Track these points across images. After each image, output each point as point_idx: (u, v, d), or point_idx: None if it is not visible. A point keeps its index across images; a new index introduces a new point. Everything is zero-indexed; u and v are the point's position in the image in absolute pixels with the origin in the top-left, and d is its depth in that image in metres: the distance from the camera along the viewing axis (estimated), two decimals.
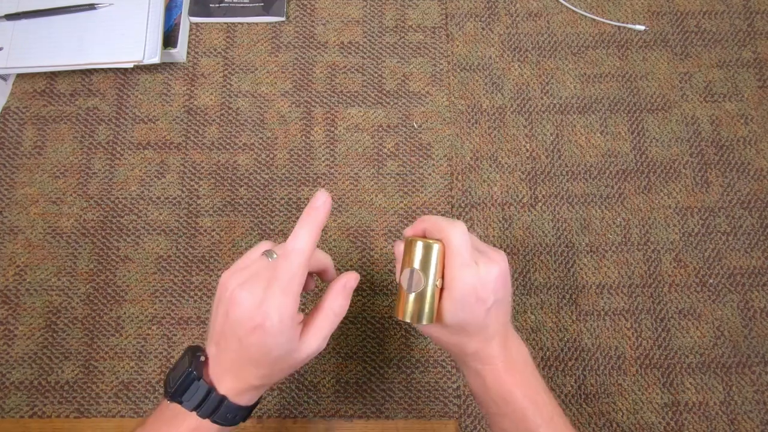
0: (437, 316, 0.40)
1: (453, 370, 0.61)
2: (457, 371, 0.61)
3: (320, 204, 0.38)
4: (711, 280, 0.63)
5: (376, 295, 0.63)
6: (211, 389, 0.38)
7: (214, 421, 0.39)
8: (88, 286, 0.63)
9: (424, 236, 0.42)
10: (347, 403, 0.60)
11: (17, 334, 0.62)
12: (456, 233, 0.39)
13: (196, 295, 0.63)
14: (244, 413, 0.40)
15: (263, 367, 0.38)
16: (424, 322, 0.39)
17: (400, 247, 0.43)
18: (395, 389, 0.60)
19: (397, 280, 0.42)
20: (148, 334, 0.62)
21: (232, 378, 0.39)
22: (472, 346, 0.41)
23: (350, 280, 0.40)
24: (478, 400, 0.45)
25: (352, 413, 0.60)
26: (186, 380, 0.38)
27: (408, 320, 0.39)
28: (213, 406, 0.38)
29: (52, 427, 0.59)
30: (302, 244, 0.37)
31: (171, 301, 0.63)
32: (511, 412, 0.41)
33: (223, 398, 0.39)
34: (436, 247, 0.39)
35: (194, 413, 0.38)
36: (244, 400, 0.40)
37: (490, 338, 0.41)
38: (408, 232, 0.45)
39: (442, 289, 0.40)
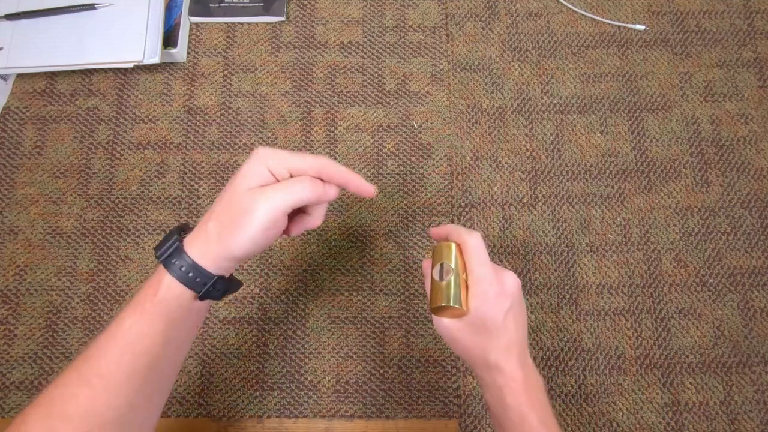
0: (464, 306, 0.43)
1: (453, 369, 0.61)
2: (457, 371, 0.61)
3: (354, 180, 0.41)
4: (711, 280, 0.63)
5: (376, 295, 0.63)
6: (177, 237, 0.39)
7: (173, 272, 0.38)
8: (88, 286, 0.63)
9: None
10: (347, 403, 0.60)
11: (17, 334, 0.62)
12: (472, 237, 0.44)
13: None
14: (197, 273, 0.38)
15: (221, 201, 0.38)
16: (456, 304, 0.42)
17: (426, 264, 0.47)
18: (395, 389, 0.60)
19: (427, 289, 0.46)
20: None
21: (197, 229, 0.39)
22: (494, 354, 0.42)
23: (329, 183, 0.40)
24: (494, 418, 0.45)
25: (352, 413, 0.60)
26: (167, 235, 0.40)
27: (443, 304, 0.43)
28: (171, 251, 0.38)
29: None
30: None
31: None
32: None
33: (180, 244, 0.38)
34: (453, 245, 0.45)
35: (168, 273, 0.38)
36: (194, 252, 0.38)
37: (509, 348, 0.43)
38: (432, 231, 0.49)
39: (467, 284, 0.44)
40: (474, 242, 0.44)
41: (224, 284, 0.40)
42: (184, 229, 0.41)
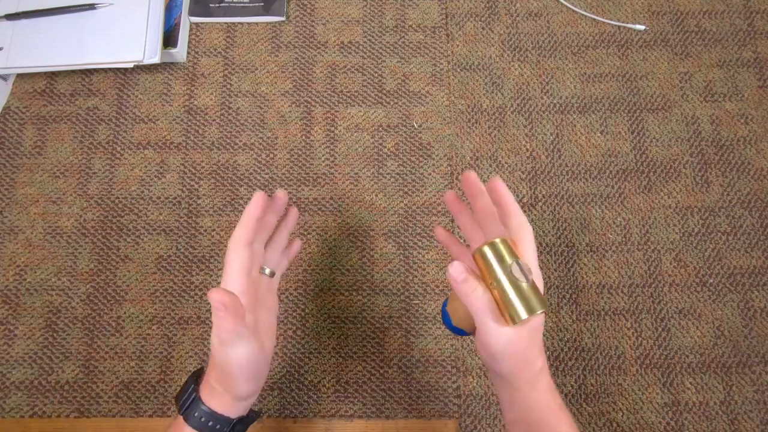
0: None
1: (453, 369, 0.61)
2: (457, 371, 0.61)
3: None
4: (711, 280, 0.63)
5: (376, 295, 0.63)
6: (193, 387, 0.42)
7: (191, 422, 0.40)
8: (88, 286, 0.63)
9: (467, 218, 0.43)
10: (347, 403, 0.60)
11: (17, 334, 0.62)
12: (530, 232, 0.39)
13: (196, 295, 0.63)
14: (216, 421, 0.41)
15: (212, 359, 0.41)
16: (545, 308, 0.36)
17: (455, 269, 0.38)
18: (395, 389, 0.60)
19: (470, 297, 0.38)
20: (148, 334, 0.62)
21: (204, 381, 0.42)
22: (540, 360, 0.39)
23: (217, 295, 0.38)
24: (526, 424, 0.40)
25: (352, 413, 0.60)
26: (184, 385, 0.43)
27: (539, 311, 0.35)
28: (190, 403, 0.41)
29: (52, 427, 0.59)
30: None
31: (171, 301, 0.63)
32: None
33: (196, 395, 0.41)
34: (507, 242, 0.38)
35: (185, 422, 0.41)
36: (213, 403, 0.41)
37: (541, 347, 0.40)
38: (473, 178, 0.41)
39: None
40: (530, 238, 0.39)
41: (244, 424, 0.43)
42: (199, 375, 0.43)
